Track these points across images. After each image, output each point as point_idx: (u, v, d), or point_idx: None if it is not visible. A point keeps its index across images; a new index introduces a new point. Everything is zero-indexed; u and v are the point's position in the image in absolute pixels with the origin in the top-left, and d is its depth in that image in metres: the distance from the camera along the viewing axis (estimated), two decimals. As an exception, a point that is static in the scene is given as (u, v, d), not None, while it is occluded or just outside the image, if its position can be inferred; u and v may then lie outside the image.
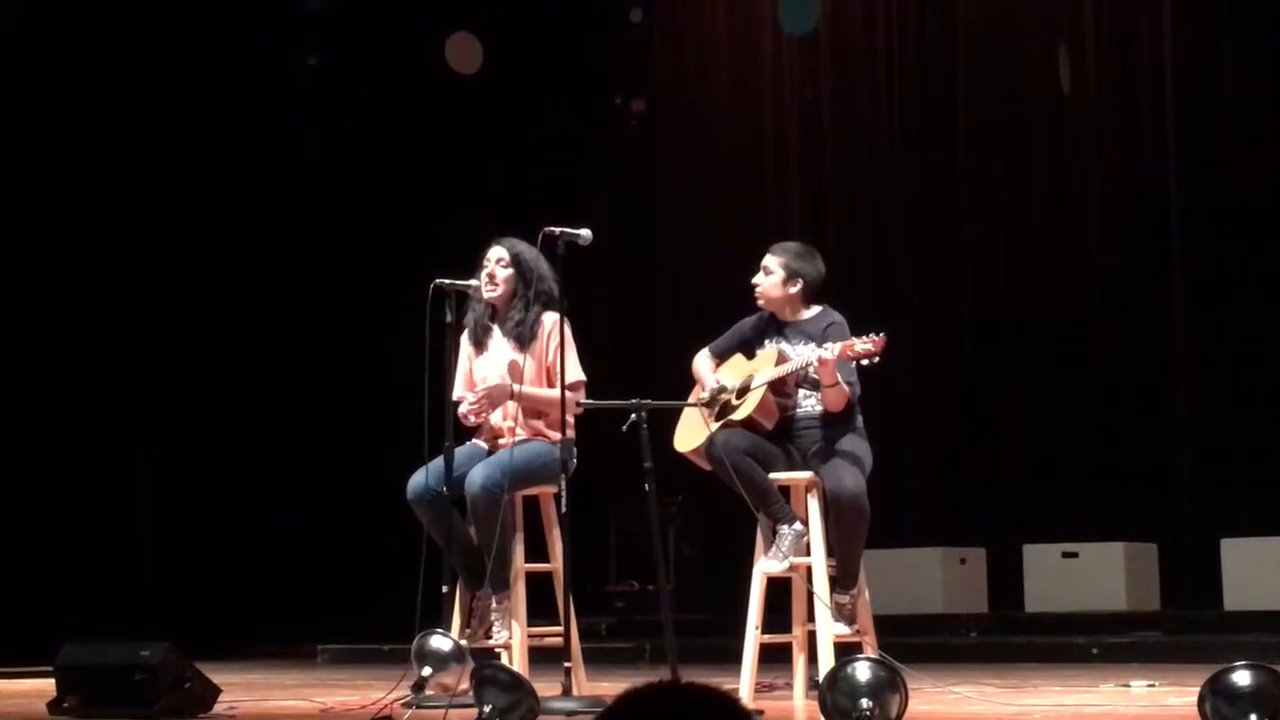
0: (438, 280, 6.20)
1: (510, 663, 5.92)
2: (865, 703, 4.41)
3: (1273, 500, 9.54)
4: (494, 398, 6.22)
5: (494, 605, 6.16)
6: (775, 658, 6.35)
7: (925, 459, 10.96)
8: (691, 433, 6.22)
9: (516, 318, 6.31)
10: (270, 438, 11.55)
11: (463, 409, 6.26)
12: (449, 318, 6.23)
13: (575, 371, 6.21)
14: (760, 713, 5.24)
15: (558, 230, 5.91)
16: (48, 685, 6.07)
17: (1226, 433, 10.12)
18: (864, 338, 5.77)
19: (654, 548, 5.90)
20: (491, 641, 6.15)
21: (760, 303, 6.28)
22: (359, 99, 12.08)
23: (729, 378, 6.27)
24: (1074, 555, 9.85)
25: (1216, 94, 10.37)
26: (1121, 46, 10.77)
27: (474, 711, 4.90)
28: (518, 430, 6.22)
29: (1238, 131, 10.28)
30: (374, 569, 10.27)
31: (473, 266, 6.40)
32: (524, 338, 6.29)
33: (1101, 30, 10.82)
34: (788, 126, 11.96)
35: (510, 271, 6.33)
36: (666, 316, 11.98)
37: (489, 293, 6.33)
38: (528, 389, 6.24)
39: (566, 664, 5.79)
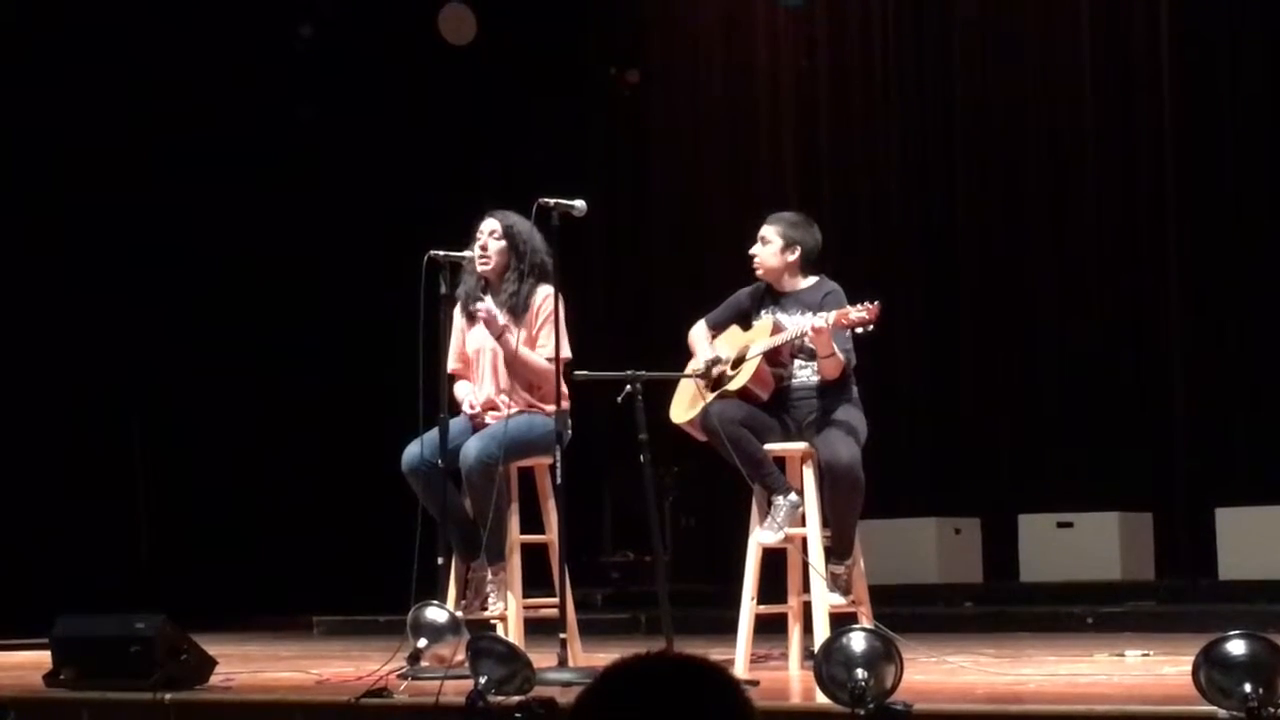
0: (431, 252, 6.20)
1: (506, 634, 5.92)
2: (860, 673, 4.42)
3: (1268, 470, 9.56)
4: (492, 322, 6.17)
5: (489, 577, 6.17)
6: (771, 628, 6.35)
7: (920, 429, 10.96)
8: (687, 404, 6.23)
9: (510, 290, 6.30)
10: (266, 410, 11.55)
11: (452, 366, 6.27)
12: (443, 289, 6.23)
13: (562, 348, 6.20)
14: (756, 683, 5.25)
15: (552, 201, 5.90)
16: (44, 658, 6.08)
17: (1222, 403, 10.12)
18: (859, 306, 5.78)
19: (649, 519, 5.91)
20: (487, 613, 6.16)
21: (759, 273, 6.27)
22: (353, 69, 12.05)
23: (725, 349, 6.27)
24: (1069, 525, 9.86)
25: (1212, 58, 10.36)
26: (1117, 16, 10.75)
27: (469, 683, 4.91)
28: (510, 403, 6.23)
29: (1232, 99, 10.27)
30: (370, 541, 10.27)
31: (466, 238, 6.39)
32: (517, 309, 6.28)
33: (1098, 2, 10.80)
34: (783, 97, 11.94)
35: (503, 244, 6.32)
36: (662, 287, 11.96)
37: (481, 266, 6.32)
38: (522, 350, 6.22)
39: (562, 635, 5.80)
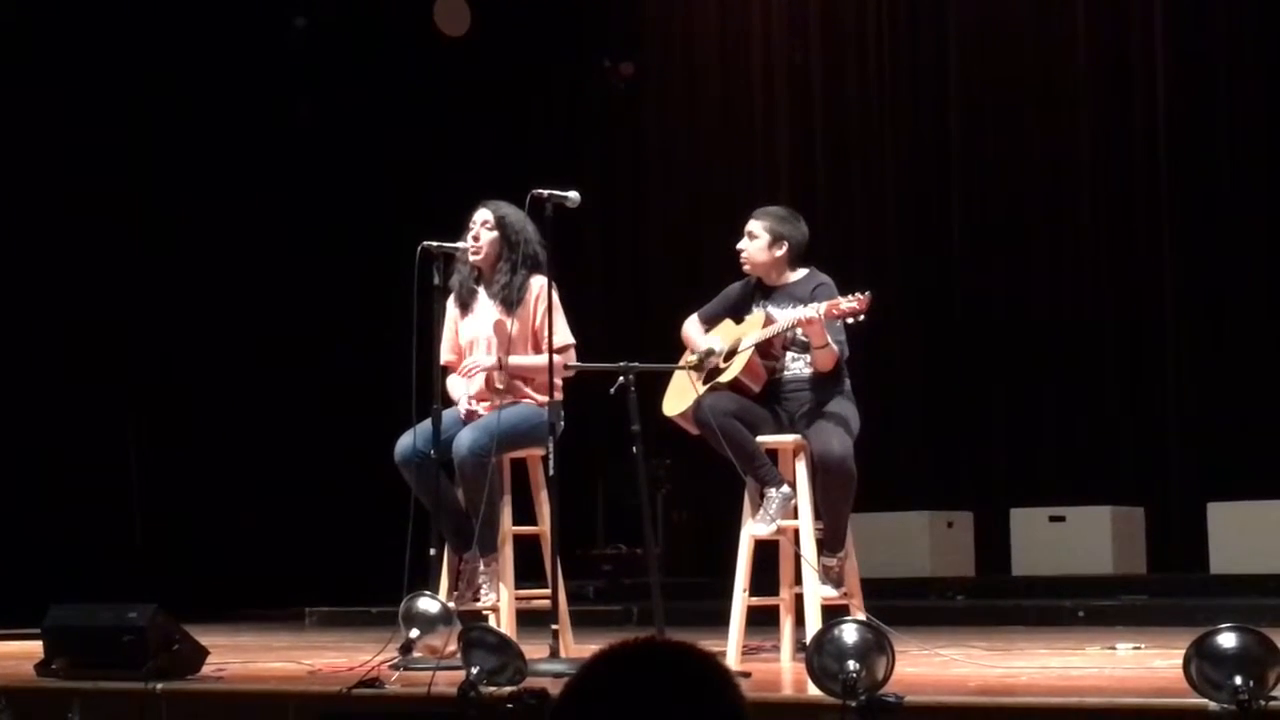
0: (425, 243, 6.20)
1: (498, 625, 5.92)
2: (852, 665, 4.42)
3: (1259, 464, 9.57)
4: (487, 376, 6.23)
5: (482, 568, 6.17)
6: (762, 620, 6.36)
7: (913, 423, 10.97)
8: (680, 397, 6.23)
9: (502, 280, 6.30)
10: (259, 400, 11.54)
11: (445, 357, 6.30)
12: (436, 280, 6.23)
13: (564, 334, 6.20)
14: (748, 675, 5.25)
15: (545, 193, 5.91)
16: (35, 648, 6.08)
17: (1214, 397, 10.14)
18: (849, 296, 5.79)
19: (642, 510, 5.91)
20: (479, 604, 6.16)
21: (746, 268, 6.27)
22: (347, 61, 12.03)
23: (717, 342, 6.28)
24: (1061, 519, 9.88)
25: (1210, 59, 10.38)
26: (1113, 14, 10.77)
27: (461, 674, 4.91)
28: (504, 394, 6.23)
29: (1226, 90, 10.29)
30: (362, 532, 10.27)
31: (461, 230, 6.39)
32: (510, 301, 6.28)
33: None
34: (777, 90, 11.94)
35: (495, 234, 6.32)
36: (655, 280, 11.97)
37: (473, 255, 6.32)
38: (515, 359, 6.23)
39: (554, 626, 5.81)
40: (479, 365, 6.26)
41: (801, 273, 6.25)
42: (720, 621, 6.14)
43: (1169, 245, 10.40)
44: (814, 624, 5.70)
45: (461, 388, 6.37)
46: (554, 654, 5.73)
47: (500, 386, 6.24)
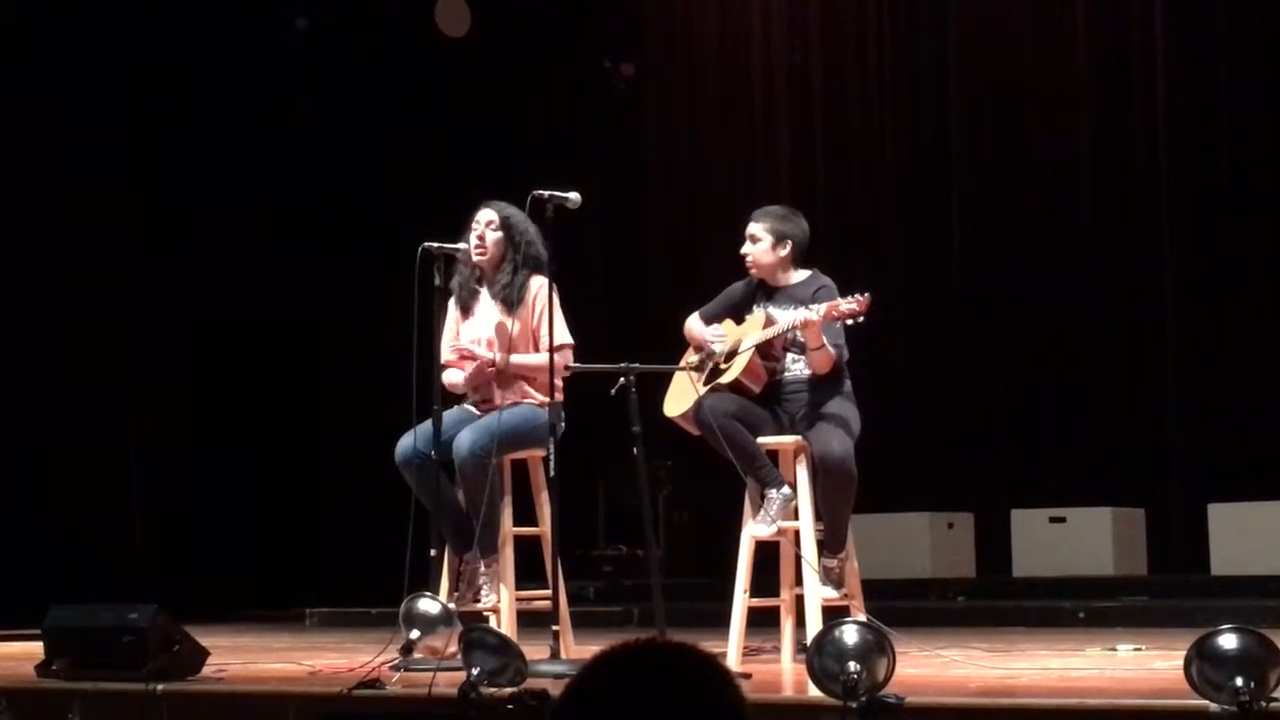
0: (426, 244, 6.20)
1: (498, 626, 5.92)
2: (852, 666, 4.42)
3: (1260, 465, 9.56)
4: (478, 366, 6.24)
5: (482, 569, 6.17)
6: (763, 621, 6.36)
7: (914, 424, 10.96)
8: (680, 398, 6.23)
9: (504, 280, 6.31)
10: (259, 401, 11.54)
11: (445, 357, 6.30)
12: (437, 281, 6.24)
13: (563, 334, 6.20)
14: (748, 676, 5.25)
15: (546, 194, 5.91)
16: (36, 649, 6.08)
17: (1214, 398, 10.13)
18: (849, 297, 5.80)
19: (643, 512, 5.91)
20: (480, 605, 6.16)
21: (753, 271, 6.27)
22: (347, 61, 12.03)
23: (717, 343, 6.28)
24: (1061, 520, 9.87)
25: (1209, 61, 10.37)
26: (1113, 14, 10.76)
27: (462, 674, 4.91)
28: (505, 394, 6.23)
29: (1226, 90, 10.29)
30: (363, 532, 10.27)
31: (461, 230, 6.39)
32: (511, 300, 6.28)
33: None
34: (777, 90, 11.94)
35: (500, 235, 6.32)
36: (655, 280, 11.97)
37: (478, 256, 6.32)
38: (516, 358, 6.23)
39: (555, 627, 5.80)
40: (473, 352, 6.24)
41: (804, 274, 6.25)
42: (721, 622, 6.13)
43: (1169, 245, 10.39)
44: (814, 625, 5.70)
45: (456, 374, 6.36)
46: (554, 655, 5.73)
47: (490, 370, 6.24)
